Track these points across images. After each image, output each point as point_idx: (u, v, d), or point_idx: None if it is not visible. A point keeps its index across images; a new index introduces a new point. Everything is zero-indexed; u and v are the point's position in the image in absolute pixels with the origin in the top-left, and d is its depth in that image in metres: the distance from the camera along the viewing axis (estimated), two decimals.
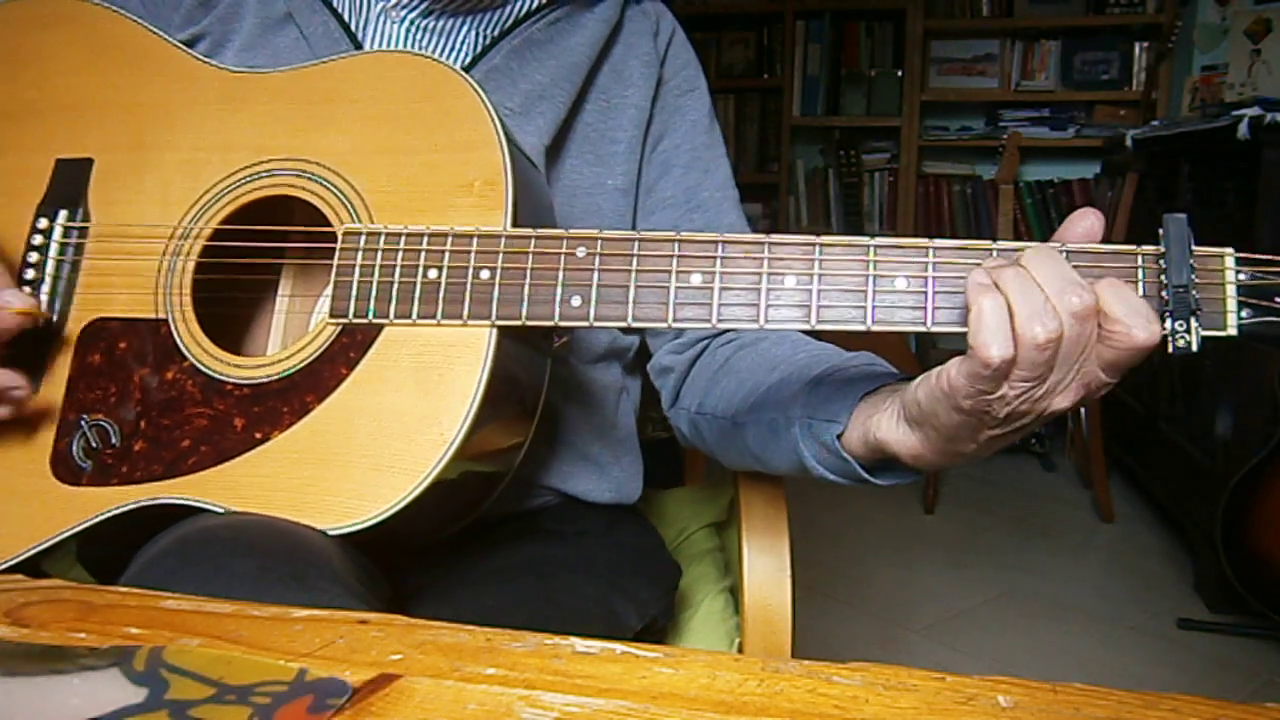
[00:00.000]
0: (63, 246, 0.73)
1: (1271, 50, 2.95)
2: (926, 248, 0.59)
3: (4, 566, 0.67)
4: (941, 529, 2.73)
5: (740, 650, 0.89)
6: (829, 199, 3.99)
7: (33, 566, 0.68)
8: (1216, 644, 2.07)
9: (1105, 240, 0.58)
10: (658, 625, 0.87)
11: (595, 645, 0.44)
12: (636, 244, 0.62)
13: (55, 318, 0.72)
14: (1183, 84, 3.35)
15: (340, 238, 0.67)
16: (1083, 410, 2.86)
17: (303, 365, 0.66)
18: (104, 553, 0.73)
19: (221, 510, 0.64)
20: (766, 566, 0.90)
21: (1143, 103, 3.42)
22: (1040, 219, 3.72)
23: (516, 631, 0.46)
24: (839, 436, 0.67)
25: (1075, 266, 0.56)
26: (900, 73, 3.84)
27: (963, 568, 2.46)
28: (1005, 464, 3.24)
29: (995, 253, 0.58)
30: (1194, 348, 0.55)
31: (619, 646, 0.44)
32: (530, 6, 0.84)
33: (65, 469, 0.69)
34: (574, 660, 0.43)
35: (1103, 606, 2.26)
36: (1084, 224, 0.57)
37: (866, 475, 0.67)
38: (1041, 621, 2.19)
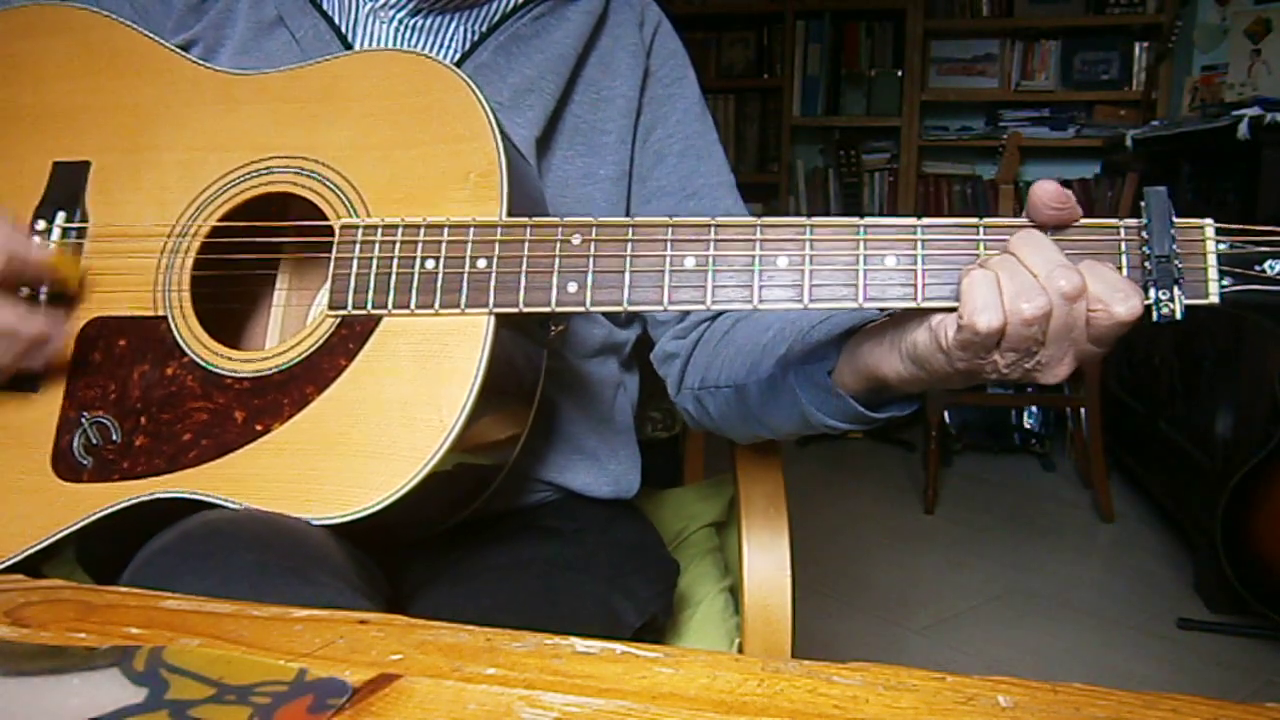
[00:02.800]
0: (61, 247, 0.73)
1: (1271, 50, 2.95)
2: (915, 226, 0.60)
3: (5, 564, 0.67)
4: (941, 529, 2.73)
5: (740, 650, 0.89)
6: (829, 199, 3.98)
7: (32, 569, 0.68)
8: (1216, 644, 2.07)
9: None
10: (657, 623, 0.87)
11: (595, 645, 0.44)
12: (631, 229, 0.63)
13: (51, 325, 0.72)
14: (1183, 84, 3.35)
15: (337, 231, 0.68)
16: (1083, 410, 2.86)
17: (302, 358, 0.67)
18: (103, 552, 0.73)
19: (223, 503, 0.64)
20: (766, 566, 0.90)
21: (1143, 103, 3.42)
22: None
23: (516, 631, 0.46)
24: (830, 373, 0.69)
25: (1060, 242, 0.58)
26: (900, 73, 3.83)
27: (963, 568, 2.46)
28: (1005, 464, 3.24)
29: (981, 230, 0.60)
30: (1177, 315, 0.57)
31: (619, 646, 0.44)
32: (516, 1, 0.85)
33: (66, 466, 0.69)
34: (574, 660, 0.43)
35: (1103, 606, 2.26)
36: (1047, 201, 0.58)
37: (863, 410, 0.68)
38: (1041, 621, 2.19)
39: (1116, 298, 0.55)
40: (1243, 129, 2.13)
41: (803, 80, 3.95)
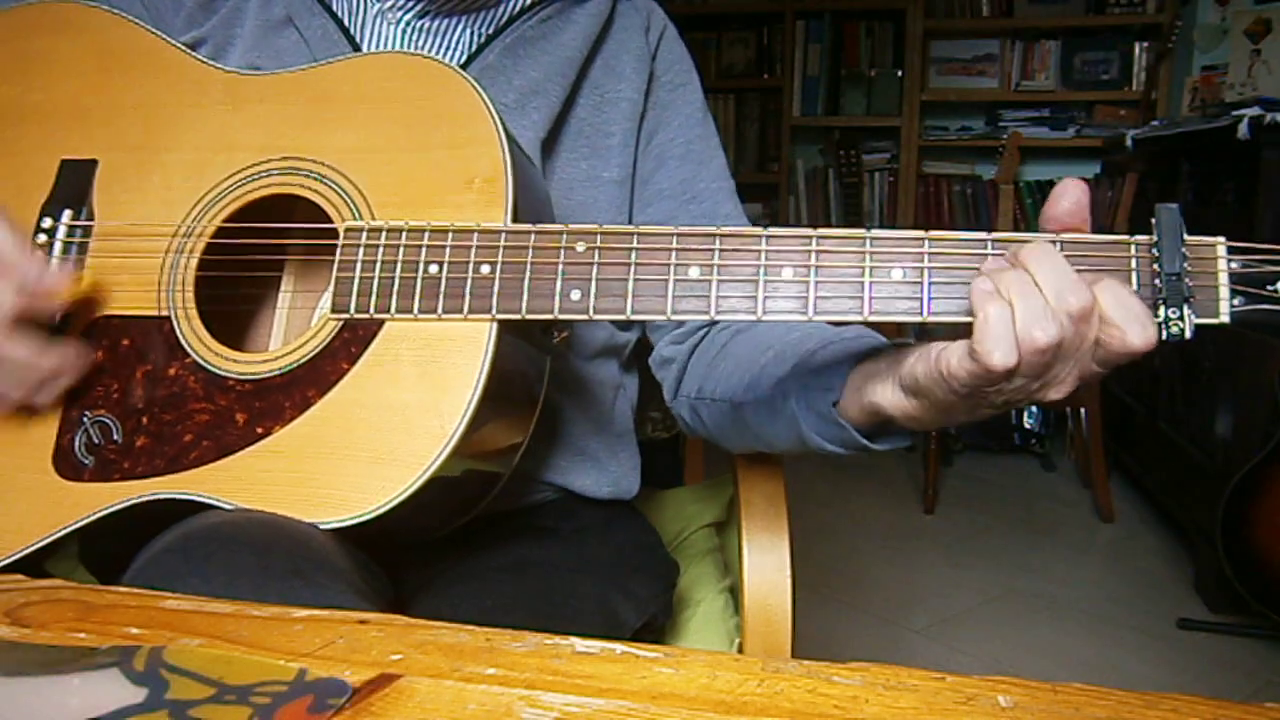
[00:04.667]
0: (66, 245, 0.73)
1: (1271, 50, 2.95)
2: (922, 239, 0.60)
3: (6, 562, 0.67)
4: (941, 529, 2.73)
5: (740, 650, 0.89)
6: (829, 199, 3.99)
7: (35, 566, 0.68)
8: (1216, 644, 2.07)
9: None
10: (657, 623, 0.87)
11: (595, 645, 0.44)
12: (635, 238, 0.63)
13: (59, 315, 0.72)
14: (1183, 84, 3.35)
15: (342, 234, 0.68)
16: (1083, 410, 2.86)
17: (304, 360, 0.67)
18: (105, 550, 0.73)
19: (222, 505, 0.64)
20: (766, 566, 0.90)
21: (1143, 103, 3.43)
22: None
23: (516, 631, 0.46)
24: (835, 404, 0.68)
25: (1069, 257, 0.56)
26: (900, 73, 3.84)
27: (963, 568, 2.46)
28: (1005, 464, 3.24)
29: (990, 244, 0.59)
30: (1187, 334, 0.56)
31: (619, 646, 0.44)
32: (524, 4, 0.85)
33: (67, 465, 0.69)
34: (574, 660, 0.43)
35: (1103, 606, 2.26)
36: (1070, 197, 0.58)
37: (864, 441, 0.68)
38: (1041, 621, 2.19)
39: (1134, 326, 0.54)
40: (1243, 129, 2.13)
41: (803, 80, 3.95)
